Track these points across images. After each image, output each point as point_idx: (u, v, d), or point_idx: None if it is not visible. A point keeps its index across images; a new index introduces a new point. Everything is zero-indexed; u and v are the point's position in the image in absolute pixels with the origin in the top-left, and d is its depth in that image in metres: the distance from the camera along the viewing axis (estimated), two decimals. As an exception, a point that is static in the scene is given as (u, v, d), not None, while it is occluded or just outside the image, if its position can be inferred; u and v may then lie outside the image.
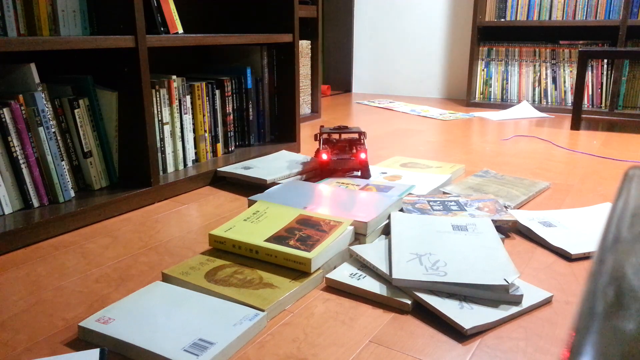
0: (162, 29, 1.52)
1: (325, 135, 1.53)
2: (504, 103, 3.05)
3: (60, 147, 1.25)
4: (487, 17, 3.03)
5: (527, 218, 1.18)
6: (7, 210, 1.14)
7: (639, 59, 2.66)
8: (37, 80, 1.17)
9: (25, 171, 1.15)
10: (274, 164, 1.59)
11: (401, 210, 1.19)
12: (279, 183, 1.44)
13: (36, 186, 1.18)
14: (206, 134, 1.64)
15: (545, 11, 2.87)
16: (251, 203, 1.23)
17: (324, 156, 1.41)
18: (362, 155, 1.42)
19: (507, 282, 0.83)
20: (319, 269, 0.93)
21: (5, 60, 1.25)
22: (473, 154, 1.89)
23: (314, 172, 1.54)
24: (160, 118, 1.46)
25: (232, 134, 1.75)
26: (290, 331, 0.78)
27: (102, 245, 1.10)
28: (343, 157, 1.43)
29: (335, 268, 0.96)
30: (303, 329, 0.79)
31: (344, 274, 0.93)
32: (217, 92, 1.68)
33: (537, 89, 2.98)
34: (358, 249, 0.99)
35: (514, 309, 0.82)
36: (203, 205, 1.36)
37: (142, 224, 1.22)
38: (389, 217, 1.12)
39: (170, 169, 1.52)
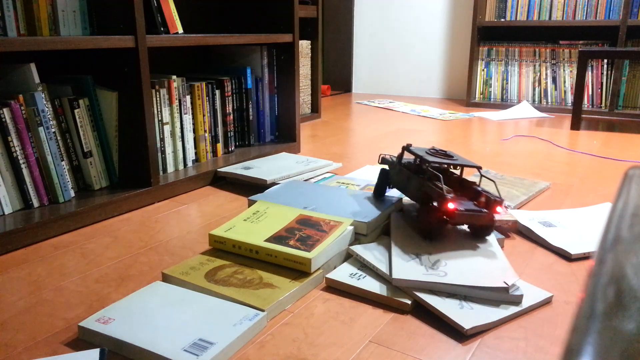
0: (162, 29, 1.52)
1: (407, 157, 1.06)
2: (504, 103, 3.05)
3: (60, 147, 1.25)
4: (487, 17, 3.03)
5: (527, 218, 1.18)
6: (7, 210, 1.14)
7: (639, 59, 2.66)
8: (37, 80, 1.17)
9: (25, 171, 1.15)
10: (274, 164, 1.59)
11: (401, 210, 1.19)
12: (279, 183, 1.44)
13: (36, 186, 1.18)
14: (206, 134, 1.64)
15: (545, 11, 2.87)
16: (251, 203, 1.23)
17: (451, 205, 0.95)
18: (499, 209, 0.99)
19: (507, 284, 0.83)
20: (319, 269, 0.93)
21: (5, 60, 1.25)
22: (473, 154, 1.89)
23: (423, 223, 1.01)
24: (160, 118, 1.46)
25: (232, 134, 1.75)
26: (290, 331, 0.78)
27: (102, 245, 1.10)
28: (473, 210, 0.97)
29: (335, 268, 0.96)
30: (303, 329, 0.79)
31: (344, 274, 0.93)
32: (217, 92, 1.68)
33: (537, 89, 2.98)
34: (358, 249, 0.99)
35: (514, 309, 0.82)
36: (203, 205, 1.36)
37: (142, 224, 1.22)
38: (389, 217, 1.12)
39: (170, 169, 1.52)
